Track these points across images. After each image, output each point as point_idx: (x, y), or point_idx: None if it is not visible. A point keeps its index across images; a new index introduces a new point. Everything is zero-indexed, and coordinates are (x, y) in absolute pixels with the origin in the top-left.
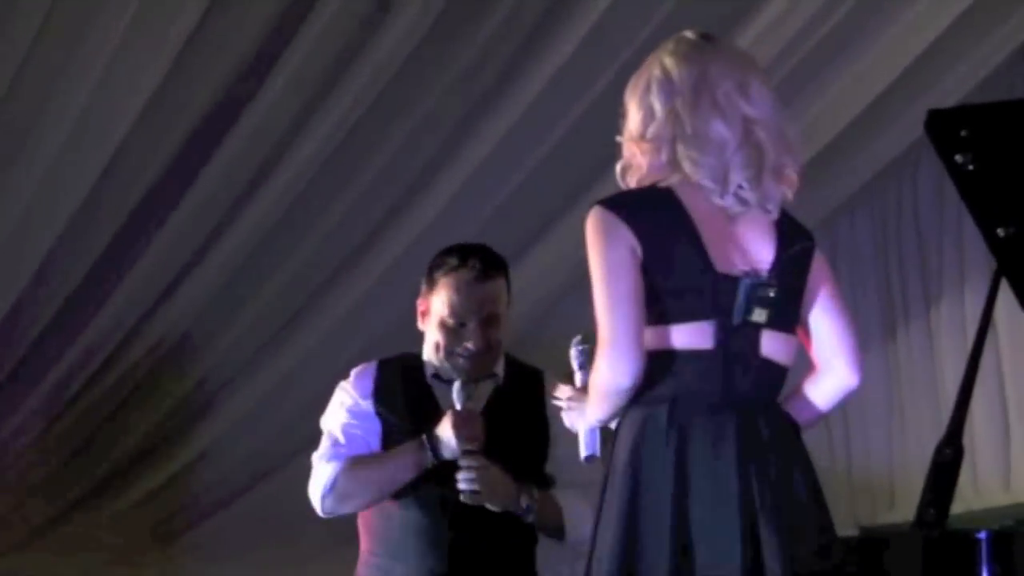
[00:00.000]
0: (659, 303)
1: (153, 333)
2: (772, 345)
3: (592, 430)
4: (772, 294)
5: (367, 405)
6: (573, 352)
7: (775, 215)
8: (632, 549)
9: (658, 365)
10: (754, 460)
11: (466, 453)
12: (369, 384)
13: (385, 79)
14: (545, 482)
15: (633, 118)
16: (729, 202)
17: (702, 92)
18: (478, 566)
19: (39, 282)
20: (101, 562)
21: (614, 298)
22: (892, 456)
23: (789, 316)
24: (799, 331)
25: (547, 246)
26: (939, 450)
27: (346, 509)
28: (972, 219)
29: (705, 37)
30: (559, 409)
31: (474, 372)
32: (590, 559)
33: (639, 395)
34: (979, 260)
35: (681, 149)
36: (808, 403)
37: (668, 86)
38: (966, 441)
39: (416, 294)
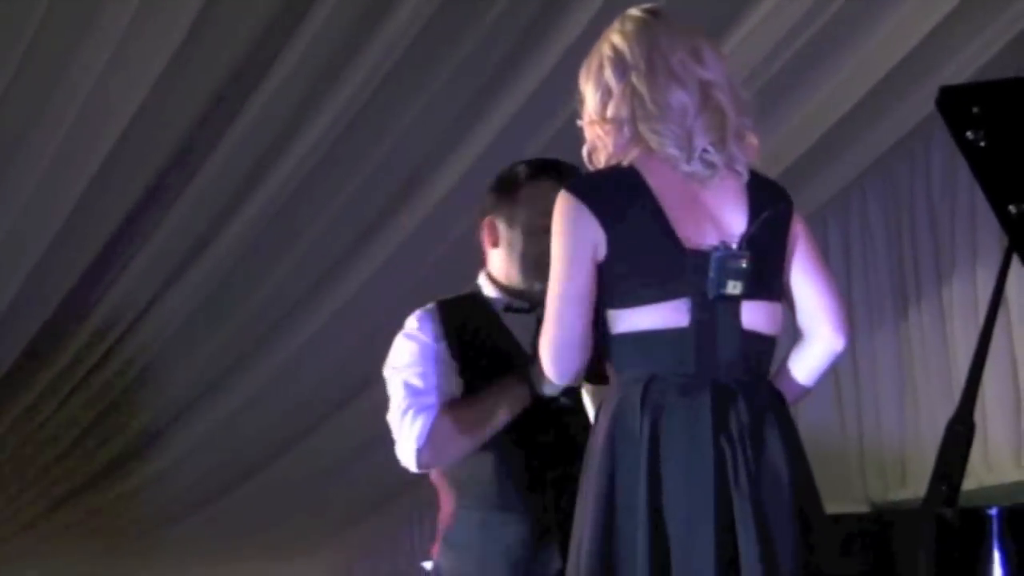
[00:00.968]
0: (631, 287)
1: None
2: (754, 316)
3: None
4: (744, 264)
5: (439, 347)
6: None
7: (745, 176)
8: (610, 534)
9: (634, 347)
10: (729, 440)
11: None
12: (437, 325)
13: (390, 64)
14: None
15: (590, 100)
16: (696, 167)
17: (656, 62)
18: None
19: (33, 284)
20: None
21: (564, 298)
22: (904, 433)
23: (770, 284)
24: (783, 300)
25: None
26: (951, 427)
27: (445, 460)
28: (984, 196)
29: (650, 12)
30: None
31: None
32: (572, 543)
33: (617, 376)
34: (991, 237)
35: (643, 122)
36: (796, 372)
37: (621, 63)
38: (977, 418)
39: (407, 294)
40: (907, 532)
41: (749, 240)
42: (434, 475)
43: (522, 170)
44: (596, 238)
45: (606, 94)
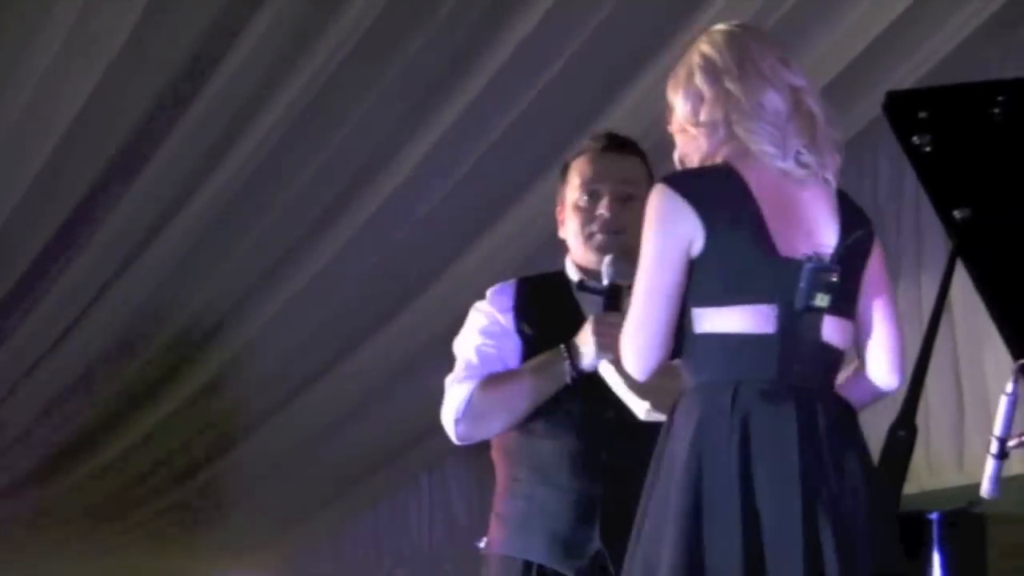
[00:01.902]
0: (721, 286)
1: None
2: (832, 330)
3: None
4: (834, 279)
5: (506, 321)
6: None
7: (834, 185)
8: (698, 546)
9: (718, 348)
10: (812, 449)
11: (608, 364)
12: (509, 299)
13: (343, 55)
14: None
15: (681, 108)
16: (791, 164)
17: (747, 67)
18: (632, 487)
19: None
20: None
21: (652, 290)
22: None
23: (849, 301)
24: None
25: (518, 212)
26: (893, 431)
27: (482, 433)
28: (929, 201)
29: (738, 25)
30: None
31: (620, 250)
32: (635, 555)
33: (697, 378)
34: (936, 242)
35: (737, 123)
36: (850, 394)
37: (712, 68)
38: (920, 422)
39: (378, 268)
40: None
41: (840, 255)
42: (493, 450)
43: (572, 151)
44: (693, 234)
45: (698, 100)
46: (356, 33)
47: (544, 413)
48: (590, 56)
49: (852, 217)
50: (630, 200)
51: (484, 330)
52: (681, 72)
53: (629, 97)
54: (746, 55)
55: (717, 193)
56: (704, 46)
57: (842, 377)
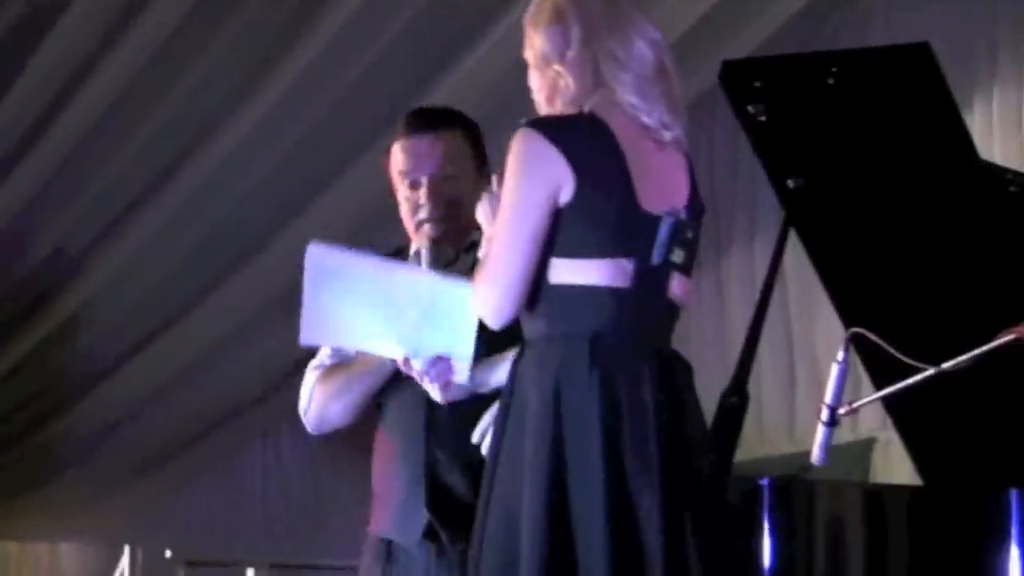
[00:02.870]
0: (583, 237)
1: None
2: (678, 287)
3: None
4: (691, 235)
5: None
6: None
7: (685, 147)
8: (563, 505)
9: (571, 300)
10: (667, 410)
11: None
12: None
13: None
14: None
15: (543, 43)
16: (654, 122)
17: (621, 17)
18: (463, 452)
19: None
20: None
21: (515, 236)
22: None
23: (692, 260)
24: None
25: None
26: (724, 398)
27: (328, 423)
28: (763, 170)
29: None
30: None
31: (444, 239)
32: (490, 509)
33: (549, 328)
34: (770, 211)
35: (608, 70)
36: None
37: (584, 11)
38: (752, 389)
39: (214, 228)
40: None
41: (692, 213)
42: None
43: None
44: (562, 180)
45: (563, 39)
46: None
47: (393, 389)
48: (424, 24)
49: (696, 186)
50: (451, 179)
51: None
52: (546, 5)
53: (465, 63)
54: (618, 4)
55: (586, 142)
56: None
57: None
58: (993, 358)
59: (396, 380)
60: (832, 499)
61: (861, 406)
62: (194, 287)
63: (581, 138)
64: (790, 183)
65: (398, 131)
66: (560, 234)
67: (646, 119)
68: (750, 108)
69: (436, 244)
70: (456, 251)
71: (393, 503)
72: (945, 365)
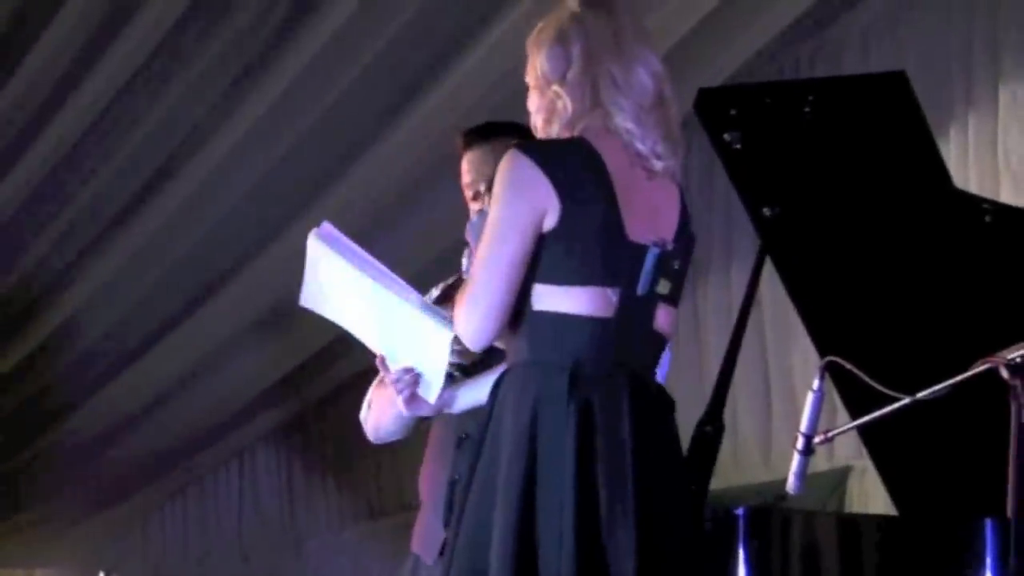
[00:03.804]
0: (568, 264)
1: None
2: (663, 318)
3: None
4: (677, 266)
5: None
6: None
7: (678, 178)
8: (530, 533)
9: (554, 328)
10: (645, 441)
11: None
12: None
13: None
14: None
15: (544, 64)
16: (647, 150)
17: (619, 36)
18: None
19: None
20: None
21: (498, 259)
22: None
23: (679, 291)
24: None
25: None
26: (700, 426)
27: (382, 438)
28: (739, 198)
29: None
30: None
31: None
32: (461, 530)
33: (530, 355)
34: (746, 239)
35: (604, 90)
36: None
37: (582, 28)
38: (728, 418)
39: (192, 251)
40: None
41: (680, 244)
42: None
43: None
44: (547, 205)
45: (564, 58)
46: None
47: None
48: (416, 32)
49: (687, 217)
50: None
51: None
52: (548, 26)
53: (455, 74)
54: (617, 22)
55: (574, 168)
56: (578, 8)
57: None
58: (968, 387)
59: None
60: (807, 528)
61: (836, 435)
62: (170, 310)
63: (569, 163)
64: (766, 211)
65: (458, 146)
66: (544, 260)
67: (639, 146)
68: (726, 136)
69: None
70: None
71: (423, 519)
72: (920, 394)
